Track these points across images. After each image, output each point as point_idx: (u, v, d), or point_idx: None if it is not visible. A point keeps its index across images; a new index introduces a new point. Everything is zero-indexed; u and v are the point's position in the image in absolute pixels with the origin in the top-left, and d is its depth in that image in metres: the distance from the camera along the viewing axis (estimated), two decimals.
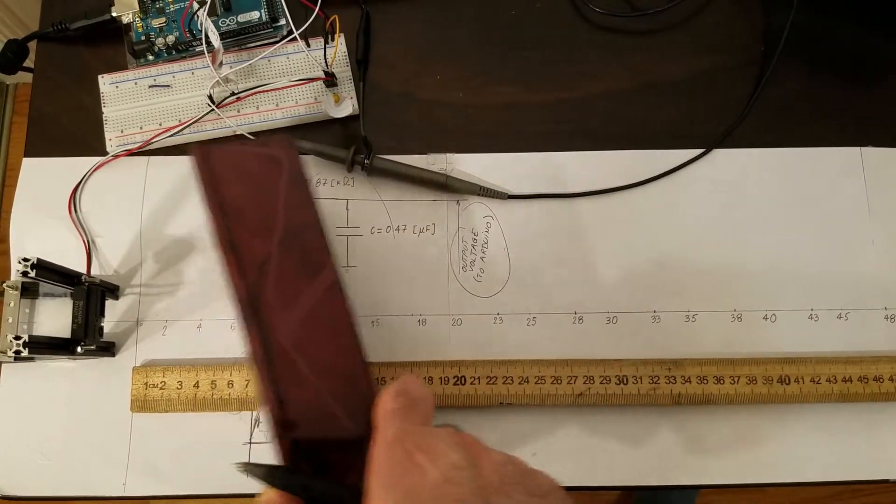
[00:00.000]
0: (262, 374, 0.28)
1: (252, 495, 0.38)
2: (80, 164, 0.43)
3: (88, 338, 0.38)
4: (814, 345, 0.41)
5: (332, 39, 0.43)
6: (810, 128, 0.45)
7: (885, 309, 0.42)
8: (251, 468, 0.27)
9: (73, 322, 0.37)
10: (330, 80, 0.43)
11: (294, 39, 0.42)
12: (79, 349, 0.37)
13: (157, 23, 0.44)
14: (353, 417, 0.29)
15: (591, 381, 0.39)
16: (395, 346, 0.41)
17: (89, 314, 0.38)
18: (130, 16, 0.44)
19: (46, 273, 0.36)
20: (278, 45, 0.43)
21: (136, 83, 0.44)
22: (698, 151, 0.44)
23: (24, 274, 0.35)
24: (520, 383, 0.39)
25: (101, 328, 0.39)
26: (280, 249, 0.30)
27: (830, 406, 0.40)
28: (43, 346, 0.36)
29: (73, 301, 0.38)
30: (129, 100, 0.44)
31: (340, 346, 0.30)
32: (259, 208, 0.31)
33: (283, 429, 0.28)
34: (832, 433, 0.40)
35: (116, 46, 0.45)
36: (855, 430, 0.40)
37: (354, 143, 0.42)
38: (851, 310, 0.42)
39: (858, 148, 0.44)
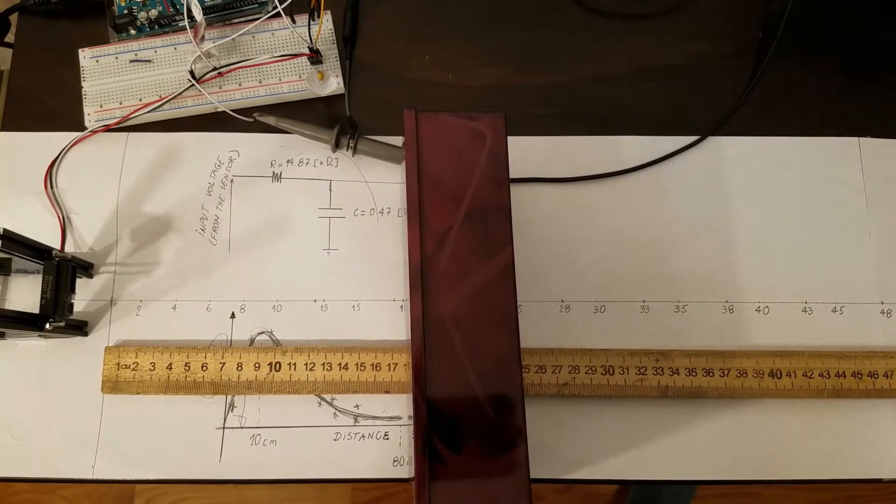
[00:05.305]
0: (416, 340, 0.30)
1: (221, 481, 0.37)
2: (58, 140, 0.42)
3: (58, 314, 0.36)
4: (807, 338, 0.40)
5: (318, 16, 0.41)
6: (808, 117, 0.44)
7: (882, 303, 0.41)
8: None
9: (42, 297, 0.36)
10: (314, 56, 0.42)
11: (278, 15, 0.41)
12: (48, 326, 0.36)
13: None
14: (494, 403, 0.29)
15: (577, 371, 0.38)
16: (377, 331, 0.40)
17: (59, 290, 0.37)
18: None
19: (14, 245, 0.35)
20: (262, 20, 0.42)
21: (116, 58, 0.43)
22: (693, 138, 0.43)
23: None
24: None
25: (72, 305, 0.38)
26: (463, 224, 0.31)
27: (823, 402, 0.39)
28: (9, 320, 0.35)
29: (43, 276, 0.37)
30: (109, 74, 0.42)
31: (498, 330, 0.30)
32: (453, 181, 0.32)
33: (424, 398, 0.29)
34: (824, 430, 0.39)
35: (98, 20, 0.44)
36: (847, 428, 0.39)
37: (339, 123, 0.41)
38: (846, 303, 0.41)
39: (857, 138, 0.43)
